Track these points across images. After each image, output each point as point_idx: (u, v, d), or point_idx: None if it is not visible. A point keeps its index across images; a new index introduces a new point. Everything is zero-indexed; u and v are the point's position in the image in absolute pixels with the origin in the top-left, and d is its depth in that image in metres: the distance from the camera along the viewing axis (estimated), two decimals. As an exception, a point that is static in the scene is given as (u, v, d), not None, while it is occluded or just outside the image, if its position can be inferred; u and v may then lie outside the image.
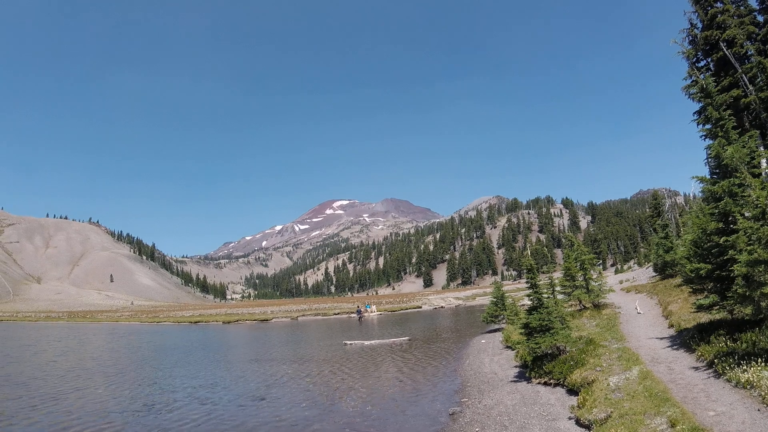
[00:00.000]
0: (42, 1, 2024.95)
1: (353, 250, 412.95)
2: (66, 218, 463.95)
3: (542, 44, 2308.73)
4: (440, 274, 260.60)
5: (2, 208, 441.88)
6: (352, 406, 17.66)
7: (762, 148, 20.95)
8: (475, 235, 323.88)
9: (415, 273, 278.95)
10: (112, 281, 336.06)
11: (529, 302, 19.01)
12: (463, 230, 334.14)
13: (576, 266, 36.11)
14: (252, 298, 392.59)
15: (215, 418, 16.96)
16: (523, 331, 19.16)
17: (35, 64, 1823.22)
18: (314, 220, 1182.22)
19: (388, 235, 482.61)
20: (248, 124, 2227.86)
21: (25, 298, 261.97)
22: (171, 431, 15.54)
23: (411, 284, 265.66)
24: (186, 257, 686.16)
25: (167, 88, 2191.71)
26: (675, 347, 17.61)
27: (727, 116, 15.56)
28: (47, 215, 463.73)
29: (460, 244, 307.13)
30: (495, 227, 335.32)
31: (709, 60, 21.47)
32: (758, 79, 21.98)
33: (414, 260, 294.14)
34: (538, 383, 17.31)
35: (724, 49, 19.62)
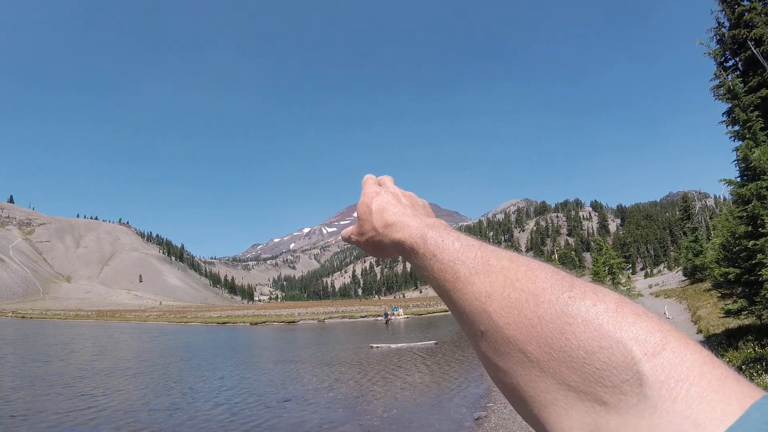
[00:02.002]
0: (73, 16, 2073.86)
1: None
2: (96, 219, 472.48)
3: (570, 51, 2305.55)
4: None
5: (34, 208, 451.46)
6: (377, 409, 17.68)
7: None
8: (503, 239, 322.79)
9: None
10: (141, 281, 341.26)
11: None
12: (491, 234, 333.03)
13: (604, 271, 35.75)
14: (279, 300, 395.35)
15: (241, 418, 17.09)
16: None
17: (68, 75, 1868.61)
18: (342, 222, 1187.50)
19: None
20: (278, 132, 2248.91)
21: (54, 297, 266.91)
22: (199, 430, 15.69)
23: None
24: (214, 258, 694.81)
25: (199, 99, 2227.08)
26: (703, 353, 17.33)
27: (754, 117, 15.28)
28: (78, 216, 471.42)
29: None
30: (523, 231, 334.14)
31: (738, 59, 21.11)
32: (787, 79, 21.62)
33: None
34: (564, 388, 17.13)
35: (752, 48, 19.28)
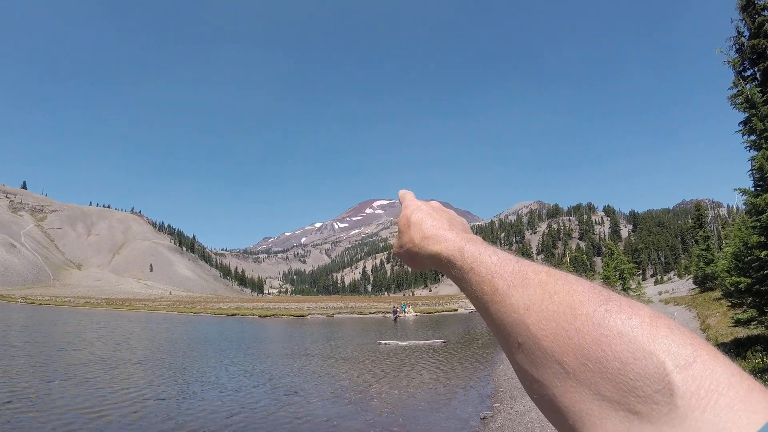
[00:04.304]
0: (94, 10, 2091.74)
1: (391, 250, 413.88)
2: (109, 207, 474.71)
3: (587, 56, 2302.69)
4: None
5: (46, 195, 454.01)
6: (383, 405, 17.78)
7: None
8: (514, 240, 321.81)
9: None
10: (151, 270, 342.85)
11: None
12: (503, 234, 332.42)
13: (615, 276, 35.72)
14: (289, 294, 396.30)
15: (249, 409, 17.24)
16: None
17: (85, 67, 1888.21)
18: (354, 218, 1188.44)
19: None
20: (292, 128, 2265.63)
21: (65, 283, 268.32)
22: (205, 421, 15.84)
23: (448, 286, 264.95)
24: (225, 250, 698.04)
25: (214, 94, 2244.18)
26: (711, 361, 17.30)
27: (771, 128, 15.25)
28: (90, 203, 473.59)
29: (499, 248, 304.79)
30: (535, 233, 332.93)
31: (756, 69, 21.00)
32: (806, 91, 21.42)
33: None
34: (570, 391, 17.12)
35: (772, 59, 19.19)
